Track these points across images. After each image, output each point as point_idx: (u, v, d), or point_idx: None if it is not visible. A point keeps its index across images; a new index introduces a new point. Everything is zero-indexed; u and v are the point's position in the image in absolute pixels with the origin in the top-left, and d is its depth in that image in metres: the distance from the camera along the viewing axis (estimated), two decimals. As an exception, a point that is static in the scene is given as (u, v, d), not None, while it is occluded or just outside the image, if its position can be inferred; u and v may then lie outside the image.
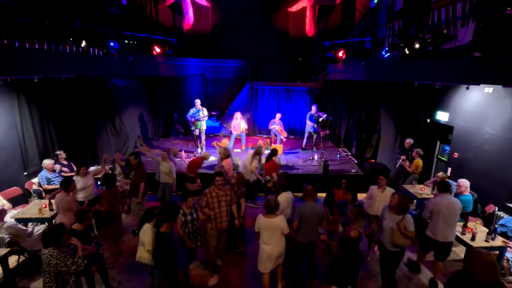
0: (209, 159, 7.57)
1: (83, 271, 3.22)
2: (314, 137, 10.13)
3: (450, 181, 6.78)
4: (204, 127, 9.60)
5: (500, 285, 2.64)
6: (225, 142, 7.99)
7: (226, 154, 6.62)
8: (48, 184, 6.21)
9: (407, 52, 6.23)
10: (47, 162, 6.16)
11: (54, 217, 5.27)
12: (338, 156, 9.65)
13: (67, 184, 4.70)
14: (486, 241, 4.58)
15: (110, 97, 8.42)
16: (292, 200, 4.83)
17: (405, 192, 6.61)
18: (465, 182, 5.36)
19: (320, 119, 9.37)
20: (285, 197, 4.70)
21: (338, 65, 10.83)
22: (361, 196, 5.45)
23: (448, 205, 4.36)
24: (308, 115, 10.01)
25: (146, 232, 3.73)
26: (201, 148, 9.60)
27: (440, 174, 6.21)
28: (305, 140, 10.33)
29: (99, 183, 7.29)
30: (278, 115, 10.36)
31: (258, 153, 6.87)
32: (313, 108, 9.88)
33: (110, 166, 7.20)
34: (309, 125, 9.95)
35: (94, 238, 3.90)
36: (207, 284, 2.69)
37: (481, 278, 2.60)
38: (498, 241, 4.59)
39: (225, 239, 5.04)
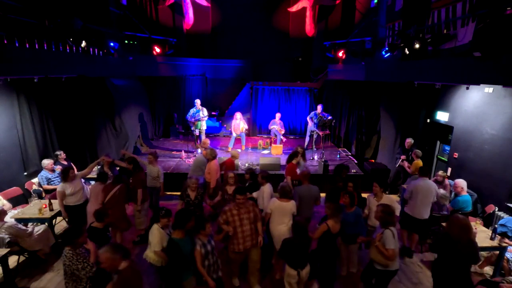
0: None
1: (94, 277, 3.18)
2: (315, 137, 10.12)
3: (450, 181, 6.81)
4: (204, 127, 9.60)
5: (471, 241, 3.37)
6: (206, 142, 7.56)
7: (212, 155, 6.23)
8: (48, 184, 6.21)
9: (407, 52, 6.23)
10: (46, 162, 6.16)
11: (54, 217, 5.28)
12: (338, 156, 9.65)
13: (104, 177, 5.19)
14: (491, 239, 4.57)
15: (110, 97, 8.41)
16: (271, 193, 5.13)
17: (405, 192, 6.61)
18: (460, 183, 5.36)
19: (326, 120, 9.36)
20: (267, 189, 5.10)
21: (338, 65, 10.84)
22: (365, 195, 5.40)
23: (426, 187, 5.02)
24: (312, 113, 9.76)
25: (153, 233, 3.67)
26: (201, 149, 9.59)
27: (441, 172, 6.13)
28: (307, 139, 10.20)
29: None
30: (278, 115, 10.37)
31: (233, 157, 6.84)
32: (319, 108, 9.61)
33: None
34: (311, 125, 9.84)
35: (109, 238, 3.96)
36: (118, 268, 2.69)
37: (458, 237, 3.30)
38: (499, 241, 4.59)
39: (260, 259, 4.40)
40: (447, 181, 6.18)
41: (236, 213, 4.09)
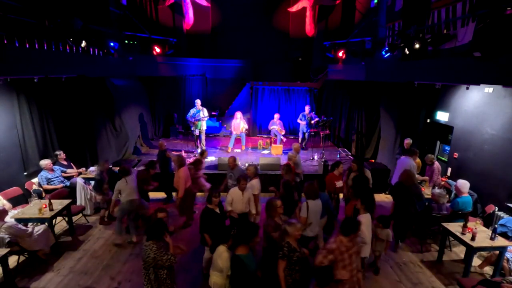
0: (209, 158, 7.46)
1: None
2: (306, 136, 10.25)
3: (449, 181, 6.82)
4: (204, 127, 9.60)
5: (416, 185, 5.34)
6: (161, 144, 7.33)
7: (179, 162, 5.78)
8: (48, 184, 6.21)
9: (407, 52, 6.23)
10: (44, 162, 6.18)
11: (54, 217, 5.28)
12: (338, 156, 9.65)
13: (197, 163, 6.15)
14: (491, 239, 4.56)
15: (110, 97, 8.41)
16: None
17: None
18: (460, 184, 5.33)
19: (313, 121, 9.50)
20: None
21: (338, 65, 10.83)
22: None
23: (409, 163, 5.99)
24: (300, 115, 10.24)
25: (223, 256, 3.29)
26: (201, 149, 9.60)
27: (430, 156, 6.77)
28: (300, 140, 10.50)
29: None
30: (277, 116, 10.40)
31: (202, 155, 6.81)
32: (306, 108, 10.12)
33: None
34: (302, 125, 10.20)
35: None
36: None
37: (405, 182, 5.19)
38: (499, 241, 4.59)
39: None
40: (436, 164, 6.65)
41: (345, 249, 3.41)
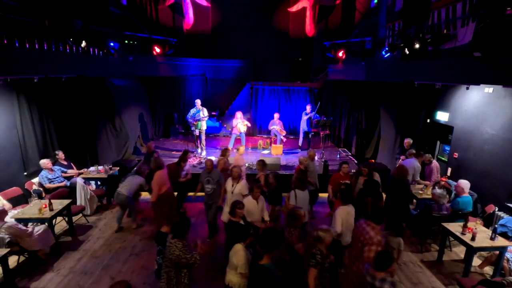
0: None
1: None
2: (310, 136, 10.14)
3: (450, 181, 6.82)
4: (204, 127, 9.59)
5: (406, 180, 5.52)
6: (149, 145, 7.30)
7: (156, 164, 5.63)
8: (49, 183, 6.22)
9: (407, 52, 6.23)
10: (44, 161, 6.18)
11: (54, 217, 5.28)
12: (338, 156, 9.65)
13: (225, 151, 6.28)
14: (491, 239, 4.56)
15: (110, 97, 8.41)
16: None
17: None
18: (461, 183, 5.33)
19: (314, 121, 9.47)
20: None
21: (338, 65, 10.83)
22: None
23: (413, 165, 6.18)
24: (303, 114, 10.08)
25: (239, 254, 3.27)
26: (201, 149, 9.60)
27: (428, 155, 6.81)
28: (301, 140, 10.32)
29: (99, 183, 7.33)
30: (276, 115, 10.37)
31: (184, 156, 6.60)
32: (308, 108, 9.97)
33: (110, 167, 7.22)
34: (304, 124, 10.03)
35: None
36: None
37: (396, 176, 5.49)
38: (499, 241, 4.59)
39: None
40: (434, 163, 6.68)
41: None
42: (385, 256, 3.06)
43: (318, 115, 9.77)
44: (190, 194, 6.11)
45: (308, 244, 3.41)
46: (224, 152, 6.51)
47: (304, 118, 9.93)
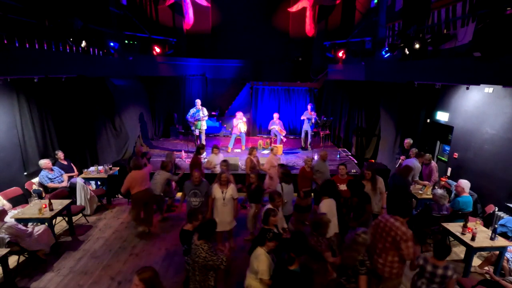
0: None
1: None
2: (309, 135, 10.19)
3: (449, 181, 6.81)
4: (204, 127, 9.60)
5: (407, 179, 5.79)
6: (138, 151, 7.41)
7: (133, 164, 5.65)
8: (50, 182, 6.22)
9: (407, 52, 6.23)
10: (43, 161, 6.18)
11: (54, 217, 5.28)
12: (338, 156, 9.65)
13: (252, 149, 6.61)
14: (491, 239, 4.57)
15: (110, 97, 8.41)
16: None
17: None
18: (462, 183, 5.33)
19: (326, 120, 9.48)
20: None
21: (338, 65, 10.83)
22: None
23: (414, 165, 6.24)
24: (305, 113, 10.17)
25: (261, 259, 3.15)
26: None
27: (427, 155, 6.74)
28: (303, 139, 10.38)
29: (99, 183, 7.33)
30: (276, 115, 10.36)
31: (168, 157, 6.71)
32: (308, 107, 10.04)
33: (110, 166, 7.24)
34: (306, 124, 10.07)
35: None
36: None
37: (399, 173, 5.82)
38: (499, 241, 4.59)
39: None
40: (433, 163, 6.65)
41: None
42: (444, 245, 3.27)
43: (317, 117, 9.79)
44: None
45: (348, 250, 3.32)
46: (251, 151, 6.58)
47: (305, 118, 9.99)
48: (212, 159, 6.81)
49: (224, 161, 6.09)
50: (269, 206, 4.33)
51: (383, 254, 3.58)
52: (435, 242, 3.46)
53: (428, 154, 6.77)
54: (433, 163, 6.68)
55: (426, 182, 6.49)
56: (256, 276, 3.17)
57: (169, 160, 6.50)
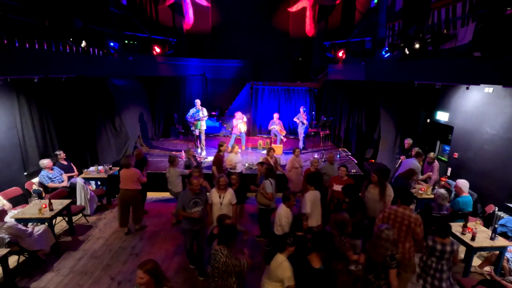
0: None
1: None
2: (302, 139, 10.05)
3: (449, 181, 6.81)
4: (204, 127, 9.59)
5: (409, 182, 5.82)
6: (139, 153, 7.01)
7: (124, 162, 5.71)
8: (51, 182, 6.22)
9: (407, 52, 6.22)
10: (45, 161, 6.18)
11: (54, 217, 5.28)
12: (338, 156, 9.65)
13: (269, 149, 6.59)
14: (491, 239, 4.56)
15: (110, 97, 8.41)
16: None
17: None
18: (460, 183, 5.32)
19: (326, 120, 9.48)
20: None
21: (338, 65, 10.83)
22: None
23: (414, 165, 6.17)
24: (298, 115, 10.08)
25: (284, 266, 3.06)
26: (201, 148, 9.60)
27: (431, 154, 6.84)
28: (301, 140, 10.19)
29: (99, 183, 7.33)
30: (276, 115, 10.37)
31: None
32: (301, 110, 9.96)
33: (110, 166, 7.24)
34: (300, 126, 9.98)
35: None
36: None
37: (404, 175, 5.83)
38: (499, 241, 4.59)
39: None
40: (435, 163, 6.68)
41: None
42: (446, 225, 3.66)
43: (309, 120, 9.75)
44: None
45: (374, 247, 3.35)
46: (269, 151, 6.62)
47: (298, 121, 9.94)
48: (232, 157, 6.74)
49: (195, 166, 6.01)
50: (282, 206, 4.36)
51: (400, 243, 3.84)
52: (438, 224, 3.75)
53: (432, 153, 6.84)
54: (436, 163, 6.70)
55: (430, 173, 6.64)
56: (281, 284, 3.09)
57: (188, 156, 6.65)
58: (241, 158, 6.87)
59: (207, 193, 4.76)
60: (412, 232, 3.80)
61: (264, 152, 9.84)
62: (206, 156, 9.30)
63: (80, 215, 6.27)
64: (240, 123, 9.67)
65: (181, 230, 4.65)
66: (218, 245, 3.21)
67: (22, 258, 4.83)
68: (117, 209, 6.07)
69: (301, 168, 6.72)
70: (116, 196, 7.52)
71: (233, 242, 3.25)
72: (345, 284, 3.58)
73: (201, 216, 4.47)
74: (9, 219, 4.82)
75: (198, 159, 8.93)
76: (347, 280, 3.62)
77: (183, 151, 9.46)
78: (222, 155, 6.70)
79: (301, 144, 10.05)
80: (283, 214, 4.32)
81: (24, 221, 5.10)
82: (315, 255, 3.05)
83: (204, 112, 9.41)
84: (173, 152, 8.33)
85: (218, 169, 6.39)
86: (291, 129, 12.23)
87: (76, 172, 6.95)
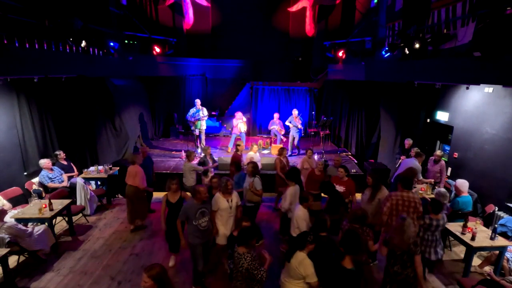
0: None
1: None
2: (296, 141, 9.58)
3: (449, 180, 6.81)
4: (204, 127, 9.59)
5: (413, 178, 5.60)
6: (144, 151, 7.02)
7: (131, 158, 5.88)
8: (51, 182, 6.23)
9: (407, 52, 6.23)
10: (43, 161, 6.18)
11: (54, 217, 5.28)
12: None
13: (281, 149, 6.71)
14: (491, 239, 4.57)
15: (110, 97, 8.41)
16: None
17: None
18: (461, 183, 5.31)
19: (326, 120, 9.41)
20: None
21: (338, 65, 10.84)
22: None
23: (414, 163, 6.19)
24: (290, 117, 9.54)
25: (305, 263, 3.05)
26: (201, 148, 9.60)
27: (438, 152, 6.83)
28: (290, 144, 9.59)
29: (99, 183, 7.33)
30: (276, 115, 10.34)
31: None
32: (294, 112, 9.47)
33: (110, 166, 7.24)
34: (293, 129, 9.41)
35: None
36: None
37: (404, 173, 5.72)
38: (499, 240, 4.59)
39: None
40: (442, 162, 6.66)
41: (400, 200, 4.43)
42: (438, 202, 4.24)
43: (302, 122, 9.57)
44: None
45: (396, 236, 3.35)
46: (281, 151, 6.63)
47: (291, 125, 9.35)
48: (252, 156, 6.74)
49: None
50: (300, 207, 4.29)
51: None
52: (432, 200, 4.36)
53: (439, 151, 6.88)
54: (442, 161, 6.68)
55: (431, 180, 6.50)
56: (304, 281, 3.07)
57: (204, 153, 6.76)
58: (260, 157, 6.88)
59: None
60: (416, 211, 4.30)
61: (264, 152, 9.89)
62: (199, 154, 9.30)
63: (80, 215, 6.27)
64: (240, 123, 9.66)
65: (189, 247, 4.13)
66: (238, 246, 3.21)
67: (22, 258, 4.83)
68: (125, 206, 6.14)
69: (312, 169, 6.62)
70: (116, 196, 7.56)
71: (253, 242, 3.21)
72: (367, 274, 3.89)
73: (209, 226, 4.16)
74: (9, 219, 4.83)
75: (198, 160, 8.92)
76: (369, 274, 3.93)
77: (183, 151, 9.47)
78: (240, 155, 6.69)
79: (289, 148, 9.47)
80: (301, 215, 4.22)
81: (24, 221, 5.10)
82: (348, 257, 3.00)
83: (204, 112, 9.41)
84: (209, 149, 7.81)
85: (236, 168, 6.05)
86: (291, 129, 12.23)
87: (76, 172, 6.95)
